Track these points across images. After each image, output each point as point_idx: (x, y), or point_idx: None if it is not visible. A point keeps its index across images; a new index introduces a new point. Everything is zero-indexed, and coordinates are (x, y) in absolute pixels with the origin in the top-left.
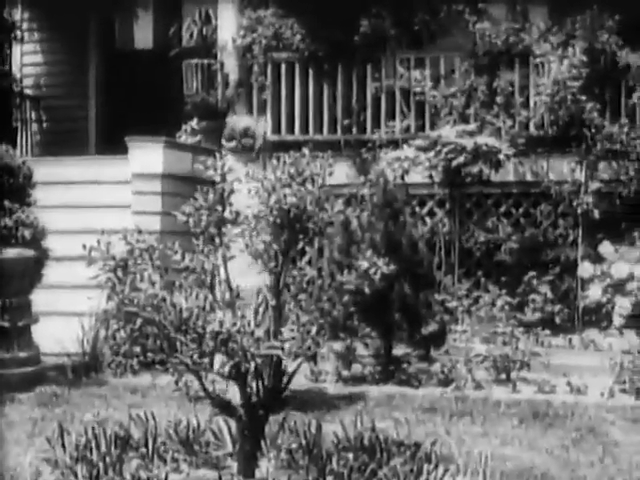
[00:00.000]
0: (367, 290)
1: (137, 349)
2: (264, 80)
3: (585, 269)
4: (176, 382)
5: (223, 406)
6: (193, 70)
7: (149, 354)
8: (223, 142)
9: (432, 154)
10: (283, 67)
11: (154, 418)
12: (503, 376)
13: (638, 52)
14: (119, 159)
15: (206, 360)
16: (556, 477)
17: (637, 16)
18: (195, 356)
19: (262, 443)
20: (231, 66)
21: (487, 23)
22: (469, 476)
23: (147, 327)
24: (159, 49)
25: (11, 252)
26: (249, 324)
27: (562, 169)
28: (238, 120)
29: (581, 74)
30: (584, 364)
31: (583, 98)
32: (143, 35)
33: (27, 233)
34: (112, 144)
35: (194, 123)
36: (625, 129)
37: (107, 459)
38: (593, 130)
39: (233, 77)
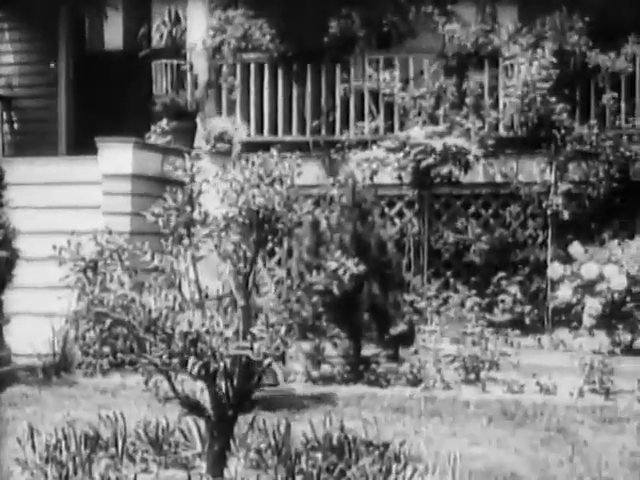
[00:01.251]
0: (336, 291)
1: (107, 349)
2: (233, 81)
3: (555, 270)
4: (145, 382)
5: (192, 406)
6: (163, 71)
7: (119, 354)
8: (201, 144)
9: (401, 155)
10: (252, 68)
11: (123, 418)
12: (472, 376)
13: (608, 53)
14: (89, 160)
15: (175, 360)
16: (525, 476)
17: (606, 17)
18: (164, 356)
19: (231, 443)
20: (200, 67)
21: (456, 25)
22: (438, 476)
23: (117, 327)
24: (129, 50)
25: None
26: (218, 324)
27: (532, 170)
28: (215, 123)
29: (550, 75)
30: (554, 364)
31: (553, 99)
32: (113, 36)
33: None
34: (83, 144)
35: (164, 124)
36: (595, 130)
37: (77, 459)
38: (563, 131)
39: (202, 78)
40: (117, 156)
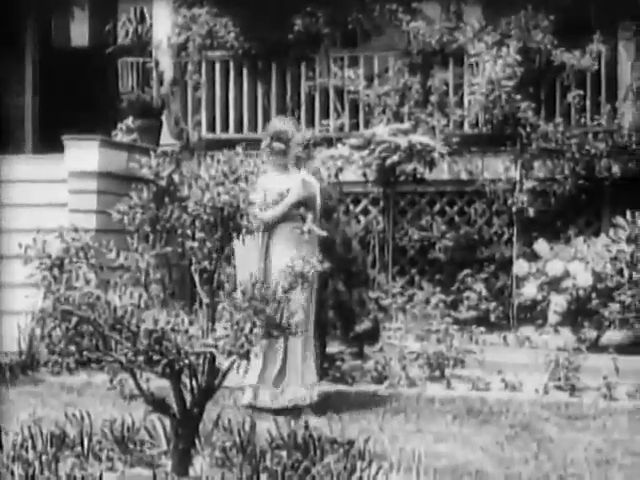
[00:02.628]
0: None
1: (73, 348)
2: (199, 78)
3: (520, 267)
4: (111, 380)
5: (157, 404)
6: (128, 68)
7: (85, 352)
8: (168, 140)
9: (366, 152)
10: (217, 65)
11: (89, 417)
12: (437, 373)
13: (573, 51)
14: (56, 157)
15: (140, 358)
16: (490, 474)
17: (572, 16)
18: (129, 354)
19: (196, 441)
20: (166, 64)
21: (421, 22)
22: (402, 473)
23: (82, 326)
24: (95, 47)
25: None
26: (183, 322)
27: (497, 168)
28: (274, 123)
29: (515, 73)
30: (519, 361)
31: (518, 97)
32: (79, 33)
33: None
34: (49, 142)
35: (129, 121)
36: (560, 128)
37: (43, 458)
38: (528, 129)
39: (168, 75)
40: (83, 154)
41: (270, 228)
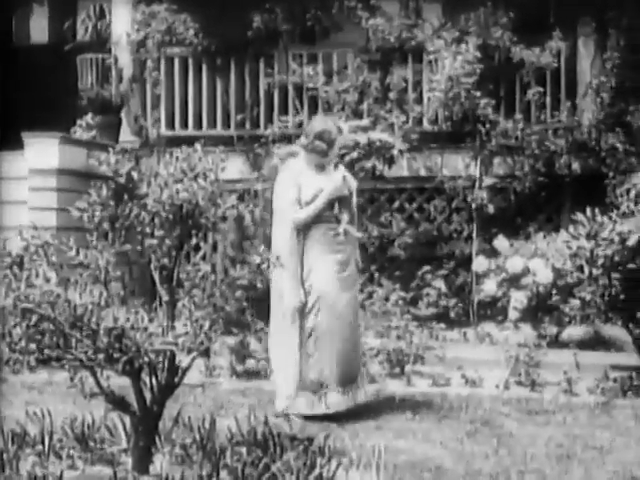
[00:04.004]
0: (260, 285)
1: (33, 346)
2: (158, 75)
3: (480, 263)
4: (71, 378)
5: (117, 402)
6: (88, 65)
7: (45, 351)
8: (127, 137)
9: None
10: (176, 62)
11: (50, 415)
12: (397, 370)
13: (533, 48)
14: (16, 155)
15: (101, 356)
16: (450, 469)
17: (531, 13)
18: (90, 352)
19: (156, 439)
20: (125, 61)
21: (380, 19)
22: (362, 469)
23: (43, 324)
24: (55, 44)
25: None
26: (143, 320)
27: (456, 164)
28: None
29: (475, 70)
30: (479, 357)
31: (477, 94)
32: (39, 30)
33: None
34: (8, 139)
35: (89, 118)
36: (520, 125)
37: (4, 456)
38: (488, 126)
39: (127, 72)
40: (43, 151)
41: (305, 228)
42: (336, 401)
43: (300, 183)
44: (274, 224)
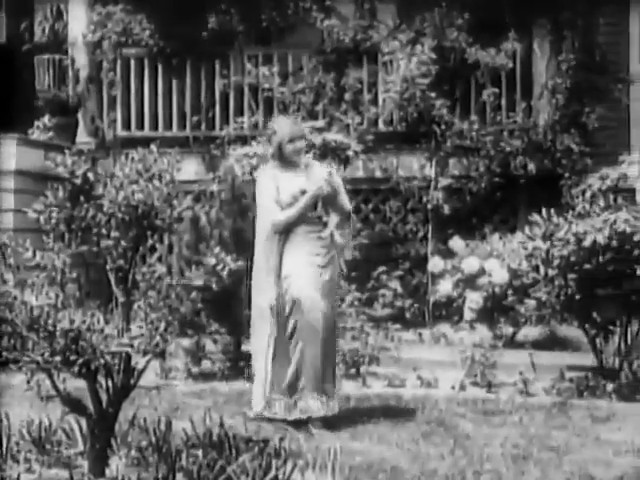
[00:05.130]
0: (215, 286)
1: None
2: (114, 76)
3: (435, 264)
4: (28, 381)
5: (74, 404)
6: (45, 66)
7: (2, 353)
8: (83, 139)
9: None
10: (133, 63)
11: (7, 418)
12: (353, 371)
13: (488, 50)
14: None
15: (57, 358)
16: (406, 470)
17: (486, 14)
18: (46, 354)
19: (112, 441)
20: (82, 62)
21: (335, 20)
22: (318, 471)
23: (0, 326)
24: (12, 44)
25: None
26: (99, 321)
27: (412, 165)
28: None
29: (430, 71)
30: (435, 358)
31: (432, 95)
32: None
33: None
34: None
35: (46, 119)
36: (475, 126)
37: None
38: (443, 127)
39: (84, 73)
40: (1, 152)
41: (284, 231)
42: (311, 407)
43: (278, 185)
44: (257, 222)
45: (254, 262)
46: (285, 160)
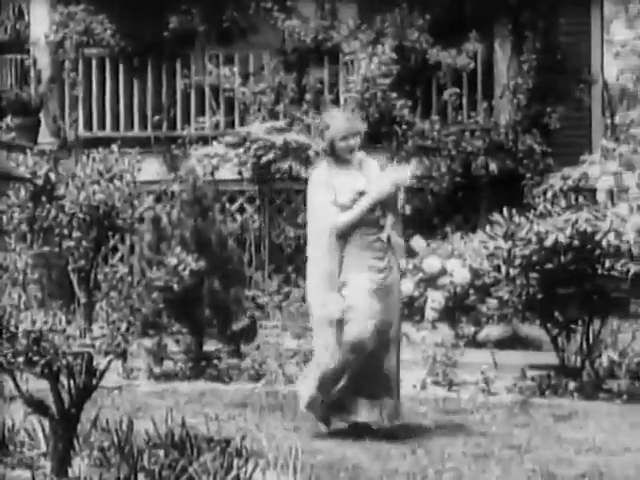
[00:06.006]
0: (176, 286)
1: None
2: (76, 76)
3: None
4: None
5: (36, 405)
6: (7, 66)
7: None
8: (46, 139)
9: (241, 150)
10: (94, 63)
11: None
12: None
13: (449, 50)
14: None
15: (20, 359)
16: (368, 469)
17: (447, 15)
18: (9, 355)
19: (75, 442)
20: (44, 62)
21: (296, 21)
22: (279, 470)
23: None
24: None
25: None
26: (61, 322)
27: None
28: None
29: (391, 71)
30: None
31: (394, 95)
32: None
33: None
34: None
35: (8, 119)
36: (436, 126)
37: None
38: (404, 127)
39: (46, 73)
40: None
41: (344, 235)
42: (362, 415)
43: (333, 185)
44: (310, 226)
45: (309, 269)
46: (338, 157)
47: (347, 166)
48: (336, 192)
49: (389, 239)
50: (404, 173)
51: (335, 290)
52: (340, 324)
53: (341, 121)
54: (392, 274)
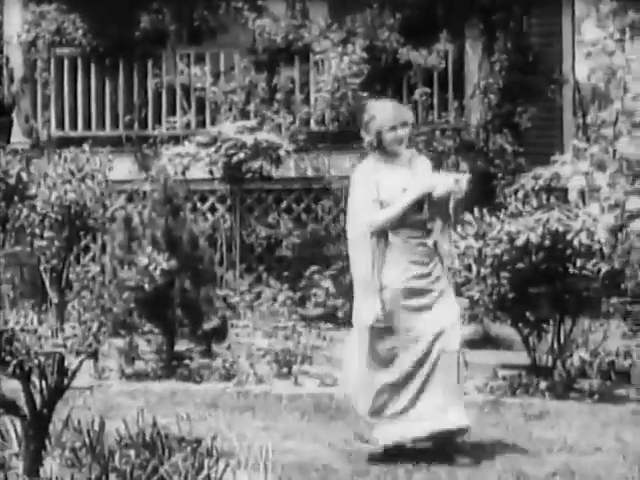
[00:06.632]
0: (147, 286)
1: None
2: (48, 76)
3: None
4: None
5: (8, 406)
6: None
7: None
8: (19, 139)
9: (213, 150)
10: (66, 62)
11: None
12: (285, 370)
13: (420, 50)
14: None
15: None
16: (338, 469)
17: (418, 14)
18: None
19: (47, 442)
20: (16, 61)
21: (267, 20)
22: (250, 470)
23: None
24: None
25: None
26: (32, 322)
27: (344, 165)
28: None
29: (362, 71)
30: None
31: (364, 95)
32: None
33: None
34: None
35: None
36: None
37: None
38: None
39: (19, 72)
40: None
41: (382, 235)
42: (416, 432)
43: (378, 181)
44: (350, 226)
45: (352, 271)
46: (385, 151)
47: (395, 161)
48: (379, 189)
49: (435, 245)
50: (461, 182)
51: (371, 295)
52: (374, 331)
53: (388, 110)
54: (438, 283)
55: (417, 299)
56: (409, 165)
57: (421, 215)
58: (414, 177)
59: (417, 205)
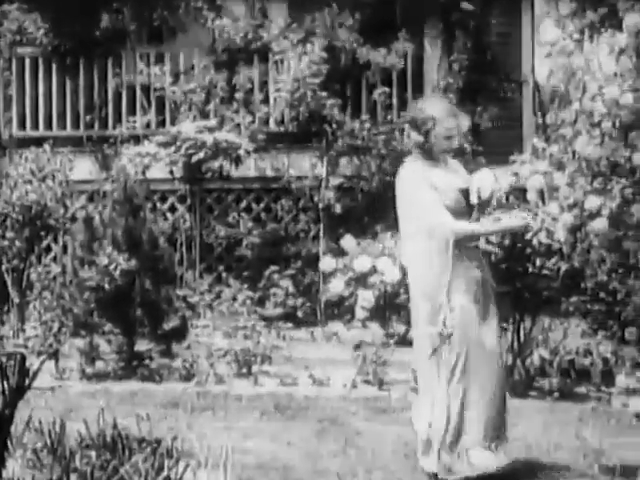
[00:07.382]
0: (107, 286)
1: None
2: (9, 75)
3: (327, 263)
4: None
5: None
6: None
7: None
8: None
9: (172, 150)
10: (27, 62)
11: None
12: (245, 370)
13: (379, 49)
14: None
15: None
16: (298, 469)
17: (377, 14)
18: None
19: (9, 443)
20: None
21: (226, 19)
22: (210, 470)
23: None
24: None
25: None
26: None
27: (303, 164)
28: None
29: (321, 71)
30: (327, 357)
31: (324, 94)
32: None
33: None
34: None
35: None
36: (366, 125)
37: None
38: (334, 126)
39: None
40: None
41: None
42: (482, 460)
43: (431, 181)
44: (407, 238)
45: (413, 278)
46: (431, 153)
47: (437, 162)
48: (437, 190)
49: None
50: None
51: (437, 315)
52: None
53: (445, 111)
54: (488, 288)
55: (480, 307)
56: (445, 165)
57: (474, 217)
58: (460, 177)
59: (468, 208)
